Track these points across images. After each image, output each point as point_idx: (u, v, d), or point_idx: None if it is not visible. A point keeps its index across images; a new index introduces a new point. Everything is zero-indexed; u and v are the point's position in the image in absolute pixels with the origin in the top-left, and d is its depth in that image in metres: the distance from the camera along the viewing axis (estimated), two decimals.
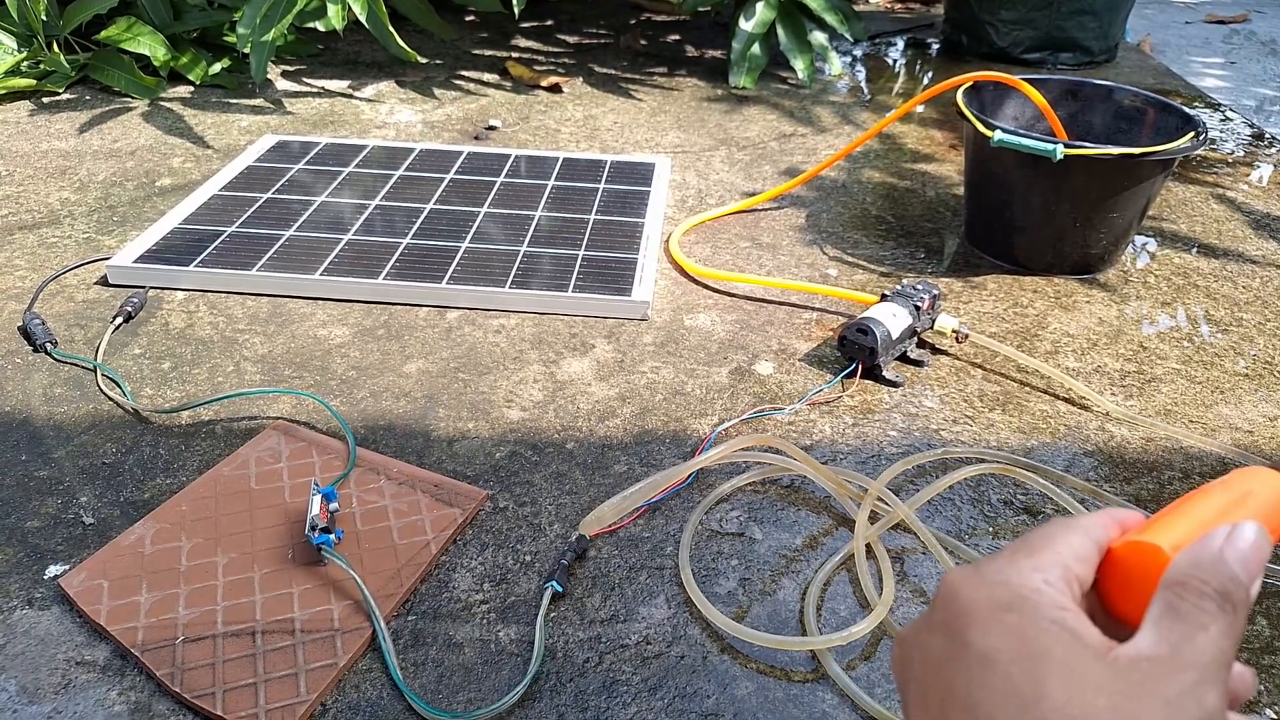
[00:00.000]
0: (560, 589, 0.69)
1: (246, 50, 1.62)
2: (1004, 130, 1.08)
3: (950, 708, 0.27)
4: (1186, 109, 1.17)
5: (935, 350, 1.03)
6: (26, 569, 0.70)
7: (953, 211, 1.34)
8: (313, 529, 0.69)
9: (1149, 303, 1.14)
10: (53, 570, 0.70)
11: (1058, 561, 0.29)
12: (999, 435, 0.90)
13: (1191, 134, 1.10)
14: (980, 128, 1.11)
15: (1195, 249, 1.28)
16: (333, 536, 0.70)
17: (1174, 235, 1.31)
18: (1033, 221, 1.16)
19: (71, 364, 0.93)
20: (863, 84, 1.91)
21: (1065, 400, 0.95)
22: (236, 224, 1.16)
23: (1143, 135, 1.21)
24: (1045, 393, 0.96)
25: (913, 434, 0.89)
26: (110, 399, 0.89)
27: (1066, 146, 1.05)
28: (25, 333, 0.97)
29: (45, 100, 1.61)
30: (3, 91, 1.59)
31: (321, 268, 1.07)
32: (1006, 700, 0.26)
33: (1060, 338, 1.06)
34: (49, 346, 0.94)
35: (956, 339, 1.01)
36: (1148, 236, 1.30)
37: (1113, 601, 0.31)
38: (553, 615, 0.68)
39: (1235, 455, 0.88)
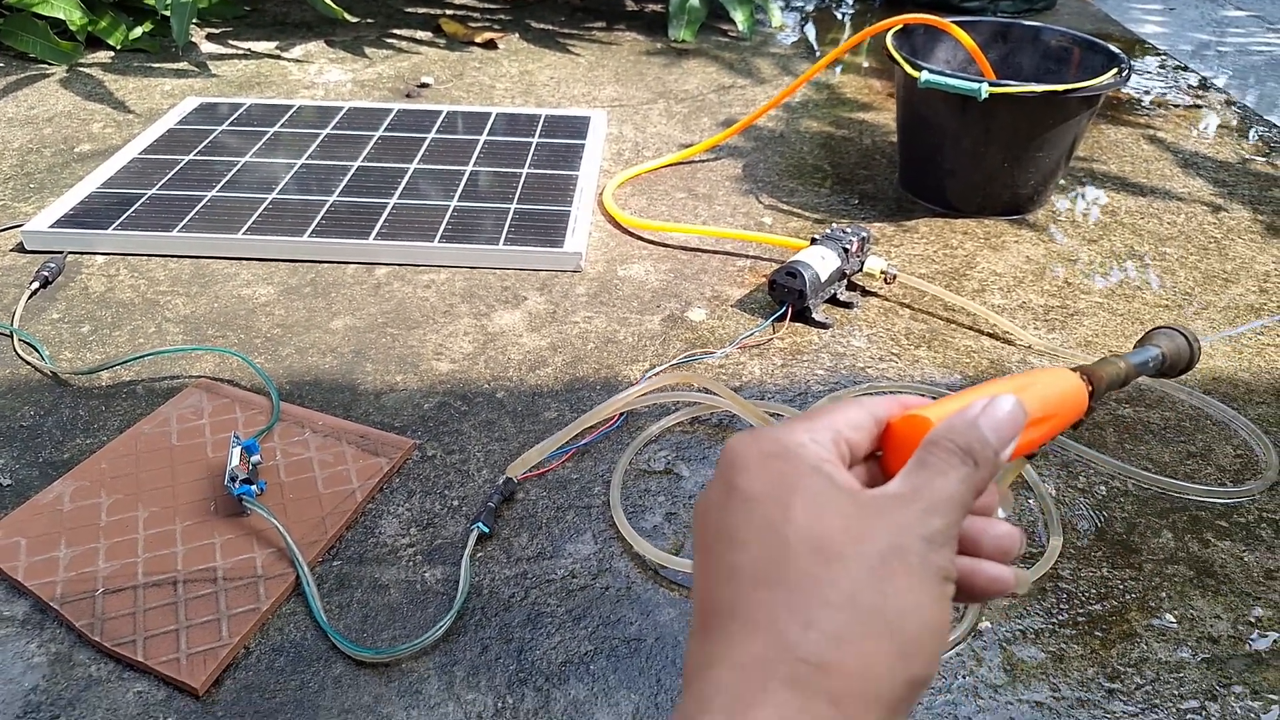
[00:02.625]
0: (487, 530, 0.70)
1: (167, 12, 1.58)
2: (931, 71, 1.09)
3: (719, 543, 0.30)
4: (1112, 47, 1.18)
5: (865, 292, 1.04)
6: None
7: (888, 158, 1.35)
8: (232, 480, 0.69)
9: (1075, 240, 1.16)
10: None
11: (829, 426, 0.32)
12: (924, 371, 0.91)
13: (1114, 71, 1.12)
14: (908, 69, 1.11)
15: (1123, 188, 1.30)
16: (254, 487, 0.70)
17: (1104, 175, 1.33)
18: (963, 164, 1.17)
19: None
20: (804, 35, 1.90)
21: (990, 335, 0.97)
22: (157, 186, 1.13)
23: (1070, 75, 1.23)
24: (971, 329, 0.98)
25: (840, 372, 0.90)
26: (28, 363, 0.87)
27: (992, 85, 1.06)
28: None
29: None
30: None
31: (245, 227, 1.05)
32: (759, 527, 0.29)
33: (988, 276, 1.07)
34: None
35: (885, 280, 1.02)
36: (1077, 177, 1.32)
37: (888, 468, 0.34)
38: (479, 555, 0.69)
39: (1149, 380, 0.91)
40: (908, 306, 1.01)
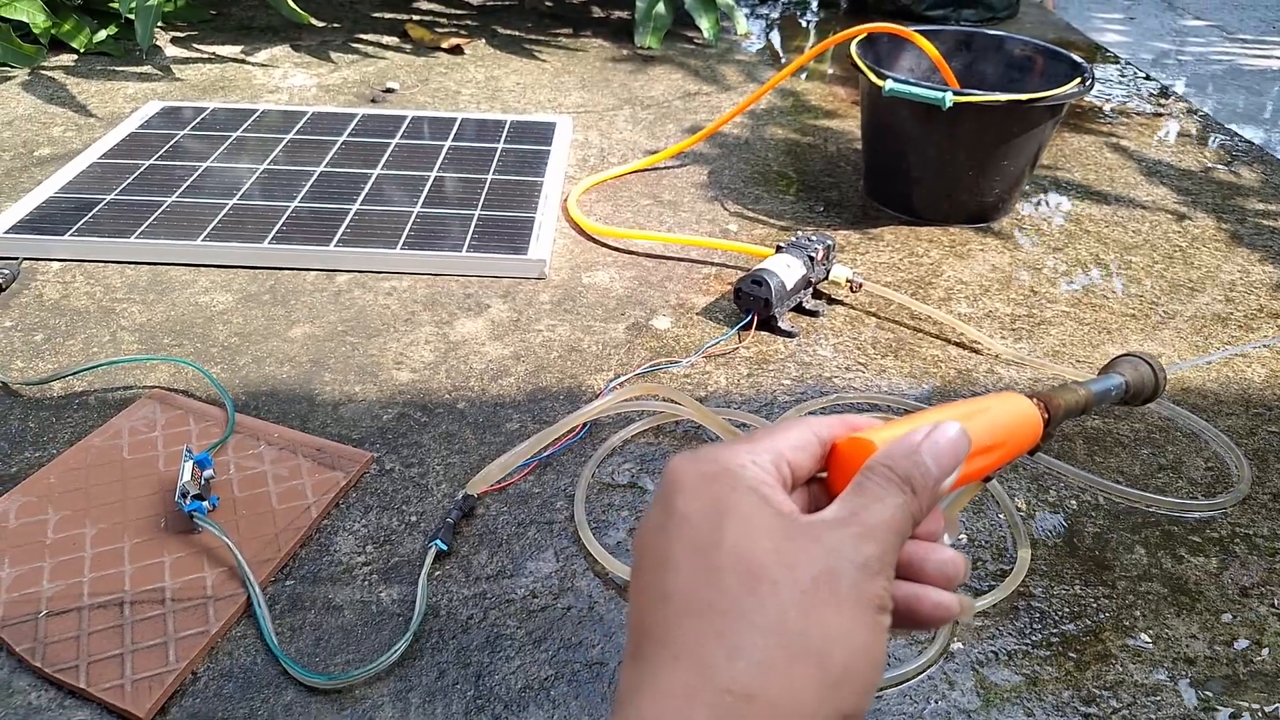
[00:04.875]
0: (445, 547, 0.68)
1: (131, 15, 1.55)
2: (895, 80, 1.09)
3: (653, 566, 0.29)
4: (1075, 56, 1.19)
5: (831, 300, 1.04)
6: None
7: (853, 166, 1.36)
8: (183, 496, 0.67)
9: (1041, 249, 1.16)
10: None
11: (771, 448, 0.31)
12: (890, 380, 0.91)
13: (1078, 80, 1.12)
14: (872, 78, 1.11)
15: (1088, 196, 1.31)
16: (206, 503, 0.68)
17: (1068, 183, 1.34)
18: (928, 172, 1.18)
19: None
20: (770, 42, 1.91)
21: (957, 345, 0.97)
22: (115, 191, 1.11)
23: (1033, 83, 1.23)
24: (937, 338, 0.98)
25: (806, 382, 0.90)
26: None
27: (956, 94, 1.06)
28: None
29: None
30: None
31: (205, 233, 1.03)
32: (691, 550, 0.28)
33: (954, 285, 1.08)
34: None
35: (851, 288, 1.02)
36: (1042, 185, 1.33)
37: (833, 491, 0.33)
38: (437, 574, 0.68)
39: None
40: (874, 315, 1.01)
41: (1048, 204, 1.29)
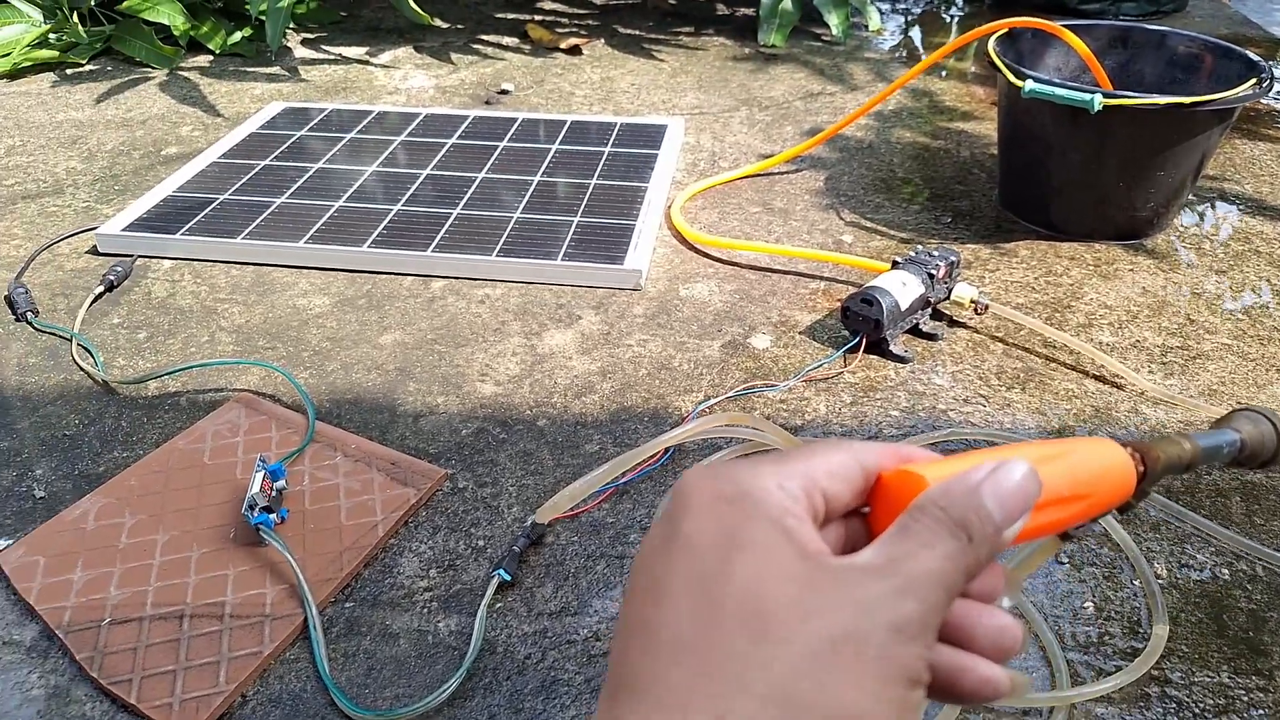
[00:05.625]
0: (508, 577, 0.65)
1: (262, 17, 1.60)
2: (1036, 79, 0.99)
3: (646, 595, 0.25)
4: (1251, 54, 1.05)
5: (953, 323, 0.95)
6: None
7: (988, 173, 1.25)
8: (250, 508, 0.66)
9: (1201, 271, 1.03)
10: None
11: (804, 473, 0.27)
12: (1015, 417, 0.82)
13: (1254, 80, 0.99)
14: (1010, 77, 1.01)
15: (1261, 211, 1.16)
16: (274, 516, 0.67)
17: (1237, 196, 1.20)
18: (1071, 182, 1.06)
19: (50, 333, 0.92)
20: (906, 39, 1.80)
21: (1095, 378, 0.87)
22: (229, 191, 1.13)
23: (1200, 85, 1.10)
24: (1073, 370, 0.88)
25: (917, 414, 0.82)
26: (82, 369, 0.87)
27: (1106, 96, 0.95)
28: (9, 302, 0.96)
29: (69, 72, 1.62)
30: (28, 63, 1.60)
31: (307, 235, 1.03)
32: (692, 582, 0.24)
33: (1096, 309, 0.97)
34: (30, 316, 0.93)
35: (975, 310, 0.93)
36: (1206, 198, 1.19)
37: (875, 531, 0.28)
38: (498, 605, 0.64)
39: None
40: (1000, 341, 0.92)
41: (1212, 219, 1.15)
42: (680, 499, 0.26)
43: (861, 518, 0.29)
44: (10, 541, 0.68)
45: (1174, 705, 0.58)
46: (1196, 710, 0.57)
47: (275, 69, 1.63)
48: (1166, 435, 0.34)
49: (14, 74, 1.59)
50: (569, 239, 1.03)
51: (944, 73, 1.60)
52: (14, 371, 0.87)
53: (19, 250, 1.06)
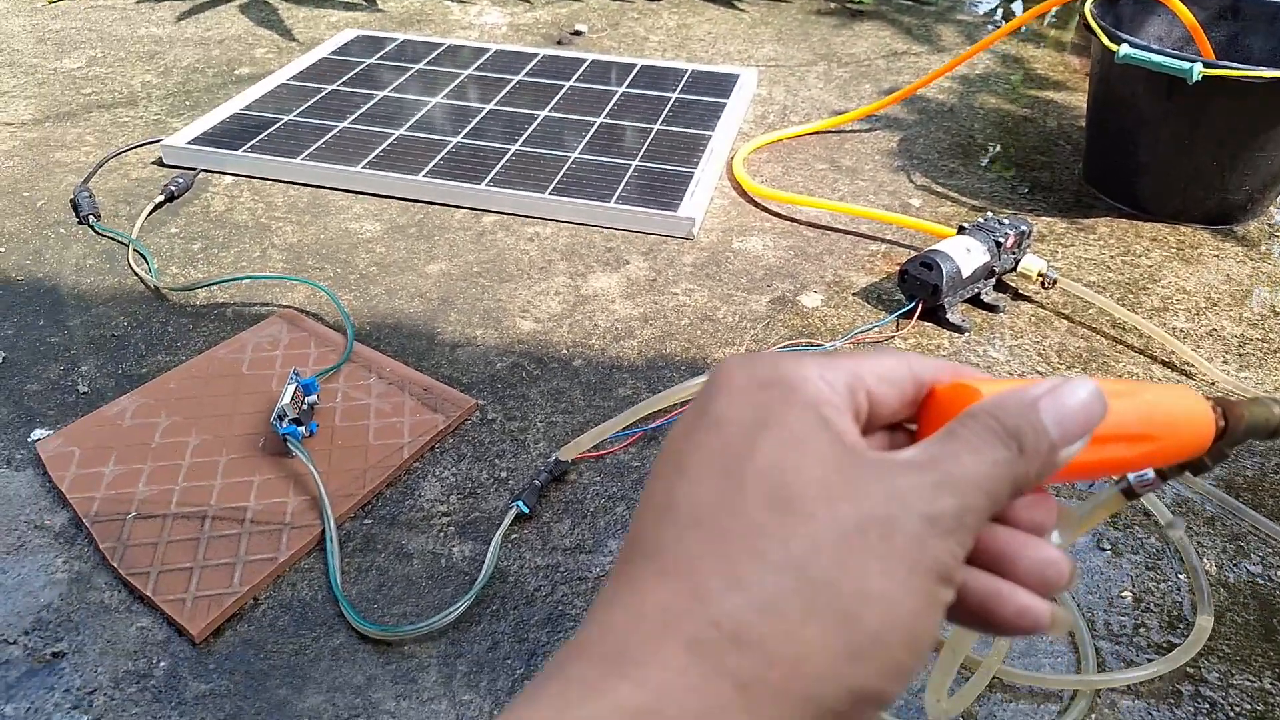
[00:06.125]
0: (527, 510, 0.64)
1: None
2: (1133, 45, 0.92)
3: (667, 471, 0.24)
4: None
5: (1017, 295, 0.90)
6: (15, 429, 0.71)
7: (1074, 146, 1.19)
8: (280, 418, 0.66)
9: None
10: (37, 434, 0.70)
11: (850, 369, 0.25)
12: None
13: None
14: (1105, 40, 0.95)
15: None
16: (303, 429, 0.67)
17: None
18: (1161, 158, 1.00)
19: (109, 238, 0.94)
20: (1002, 3, 1.71)
21: (1164, 364, 0.82)
22: (294, 113, 1.14)
23: None
24: (1141, 353, 0.83)
25: None
26: (136, 274, 0.88)
27: (1207, 66, 0.89)
28: (74, 205, 0.98)
29: None
30: None
31: (365, 161, 1.03)
32: (715, 458, 0.23)
33: (1173, 294, 0.91)
34: (92, 219, 0.95)
35: (1043, 284, 0.89)
36: None
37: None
38: (514, 537, 0.63)
39: None
40: (1066, 318, 0.87)
41: None
42: (714, 382, 0.25)
43: (909, 434, 0.27)
44: (50, 431, 0.70)
45: (1206, 706, 0.54)
46: (1231, 714, 0.54)
47: None
48: (1257, 397, 0.30)
49: None
50: (625, 182, 1.01)
51: (1041, 42, 1.52)
52: (71, 272, 0.89)
53: (89, 157, 1.09)
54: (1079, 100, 1.30)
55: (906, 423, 0.27)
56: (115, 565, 0.59)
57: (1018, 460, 0.23)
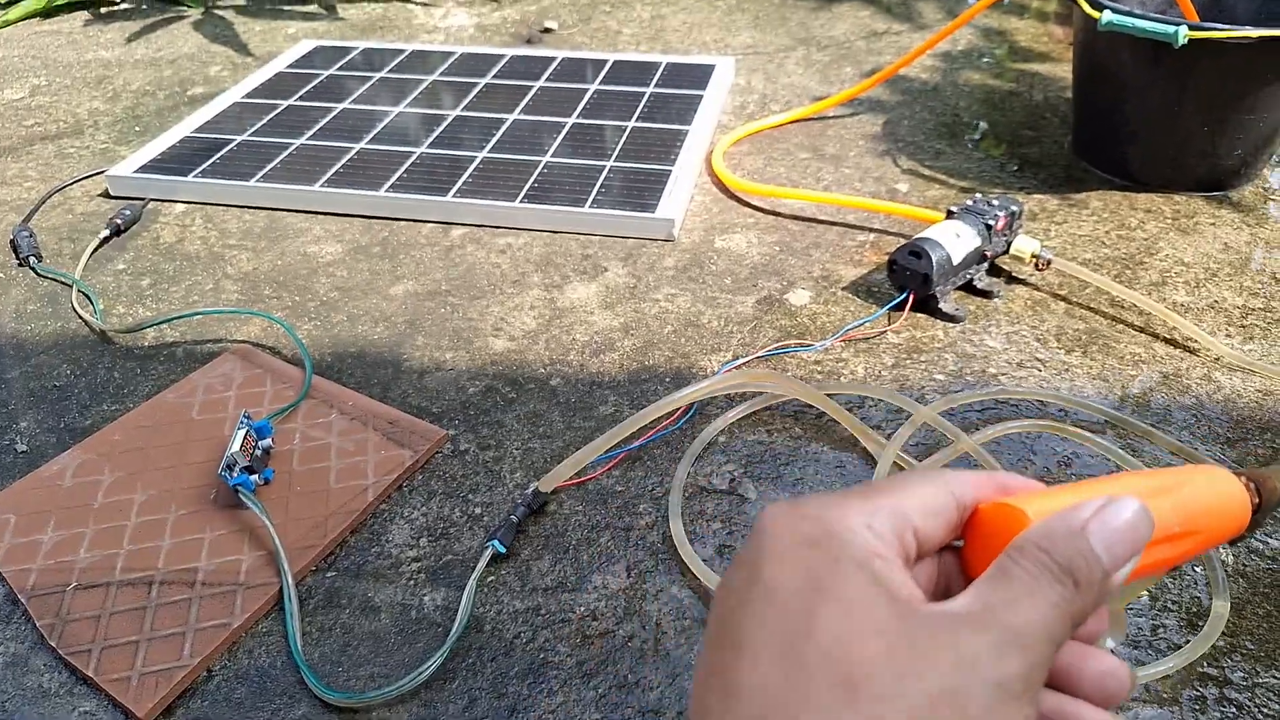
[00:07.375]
0: (503, 549, 0.59)
1: None
2: (1115, 10, 0.88)
3: (726, 647, 0.24)
4: None
5: (1011, 279, 0.86)
6: None
7: (1061, 118, 1.14)
8: (229, 468, 0.62)
9: None
10: None
11: (894, 509, 0.25)
12: (1074, 382, 0.73)
13: None
14: (1086, 8, 0.90)
15: None
16: (257, 478, 0.62)
17: None
18: (1150, 126, 0.95)
19: (51, 279, 0.89)
20: None
21: (1166, 341, 0.77)
22: (247, 132, 1.09)
23: None
24: (1142, 332, 0.79)
25: (964, 378, 0.74)
26: (81, 317, 0.83)
27: (1192, 29, 0.84)
28: (13, 246, 0.93)
29: (103, 10, 1.58)
30: (63, 1, 1.57)
31: (324, 179, 0.98)
32: (775, 637, 0.23)
33: (1171, 266, 0.87)
34: (33, 261, 0.90)
35: (1037, 265, 0.84)
36: None
37: (970, 566, 0.27)
38: (490, 579, 0.59)
39: None
40: (1063, 300, 0.83)
41: None
42: (760, 539, 0.25)
43: (955, 552, 0.28)
44: None
45: (1233, 709, 0.50)
46: (1259, 716, 0.50)
47: (312, 7, 1.58)
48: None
49: (48, 12, 1.56)
50: (600, 185, 0.96)
51: (1024, 12, 1.47)
52: (10, 319, 0.84)
53: (31, 193, 1.03)
54: (1064, 71, 1.26)
55: (953, 542, 0.27)
56: (54, 644, 0.54)
57: (1075, 597, 0.23)
